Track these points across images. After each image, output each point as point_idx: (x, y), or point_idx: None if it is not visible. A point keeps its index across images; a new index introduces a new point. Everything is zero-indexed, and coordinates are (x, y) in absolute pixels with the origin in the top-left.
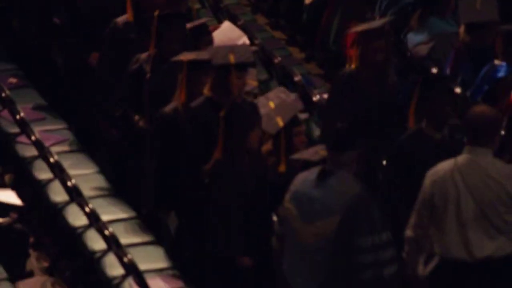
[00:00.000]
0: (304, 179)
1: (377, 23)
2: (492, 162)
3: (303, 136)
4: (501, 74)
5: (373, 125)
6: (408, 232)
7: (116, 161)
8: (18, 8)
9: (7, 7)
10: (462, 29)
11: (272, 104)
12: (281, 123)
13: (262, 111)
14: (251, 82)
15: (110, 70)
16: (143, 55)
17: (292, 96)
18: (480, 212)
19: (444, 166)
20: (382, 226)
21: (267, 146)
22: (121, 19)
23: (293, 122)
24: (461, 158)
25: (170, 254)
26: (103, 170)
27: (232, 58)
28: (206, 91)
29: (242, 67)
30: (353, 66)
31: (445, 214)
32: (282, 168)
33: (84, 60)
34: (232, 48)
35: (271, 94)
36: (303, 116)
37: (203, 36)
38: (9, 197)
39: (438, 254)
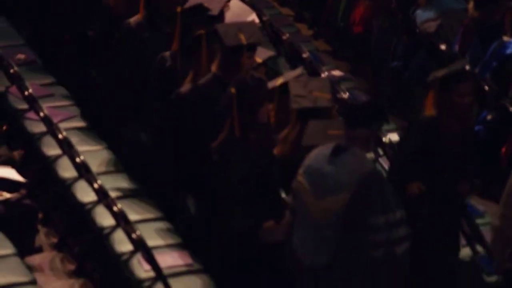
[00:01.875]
0: (318, 154)
1: (458, 65)
2: None
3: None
4: (509, 50)
5: (456, 168)
6: (496, 222)
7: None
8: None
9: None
10: (470, 5)
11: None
12: (327, 95)
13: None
14: (255, 59)
15: (128, 71)
16: (167, 53)
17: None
18: None
19: None
20: (396, 204)
21: (295, 130)
22: (133, 20)
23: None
24: None
25: (185, 231)
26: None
27: (243, 38)
28: (214, 68)
29: (253, 47)
30: (432, 112)
31: None
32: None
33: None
34: (240, 27)
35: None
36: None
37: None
38: (10, 173)
39: None
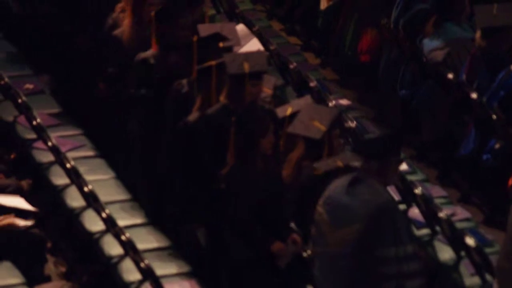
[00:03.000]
0: (337, 185)
1: None
2: None
3: (339, 139)
4: None
5: None
6: (503, 263)
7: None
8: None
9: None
10: (478, 34)
11: (289, 110)
12: (323, 127)
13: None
14: (266, 90)
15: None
16: (184, 81)
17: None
18: None
19: None
20: (408, 238)
21: (299, 151)
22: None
23: (333, 125)
24: None
25: (191, 259)
26: (120, 175)
27: (246, 67)
28: (222, 98)
29: (256, 76)
30: None
31: None
32: (318, 171)
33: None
34: (247, 56)
35: (294, 102)
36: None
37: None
38: (20, 203)
39: None
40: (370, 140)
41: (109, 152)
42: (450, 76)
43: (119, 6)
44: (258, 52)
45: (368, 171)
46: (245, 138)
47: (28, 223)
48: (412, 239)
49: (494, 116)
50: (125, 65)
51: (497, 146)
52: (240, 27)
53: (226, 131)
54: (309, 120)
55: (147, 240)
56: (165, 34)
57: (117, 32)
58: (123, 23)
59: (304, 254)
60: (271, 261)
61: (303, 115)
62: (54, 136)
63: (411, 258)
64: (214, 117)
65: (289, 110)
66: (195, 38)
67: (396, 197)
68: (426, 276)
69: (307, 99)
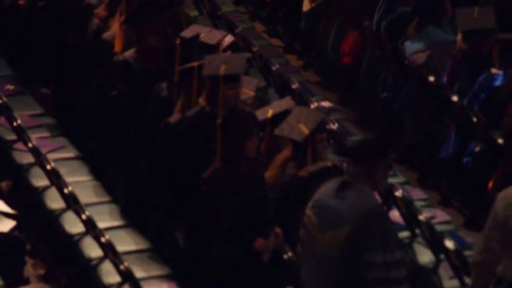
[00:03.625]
0: (327, 188)
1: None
2: None
3: (325, 143)
4: (497, 82)
5: None
6: (477, 258)
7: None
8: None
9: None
10: (459, 37)
11: (270, 112)
12: (306, 130)
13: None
14: (248, 92)
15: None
16: (164, 84)
17: (293, 104)
18: None
19: None
20: (396, 244)
21: (285, 153)
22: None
23: (318, 129)
24: None
25: (172, 260)
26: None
27: (222, 69)
28: (201, 100)
29: (232, 78)
30: None
31: None
32: (303, 173)
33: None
34: (227, 59)
35: (275, 103)
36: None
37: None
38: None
39: (509, 279)
40: (356, 143)
41: (90, 154)
42: (432, 78)
43: (99, 13)
44: (237, 55)
45: (357, 175)
46: (230, 141)
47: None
48: (400, 246)
49: (475, 119)
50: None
51: (477, 149)
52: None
53: (205, 134)
54: (295, 123)
55: (127, 242)
56: (138, 38)
57: (106, 35)
58: (113, 27)
59: (285, 257)
60: (255, 260)
61: (291, 117)
62: (35, 137)
63: (399, 265)
64: (192, 120)
65: (270, 112)
66: (178, 41)
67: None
68: (410, 282)
69: (287, 101)
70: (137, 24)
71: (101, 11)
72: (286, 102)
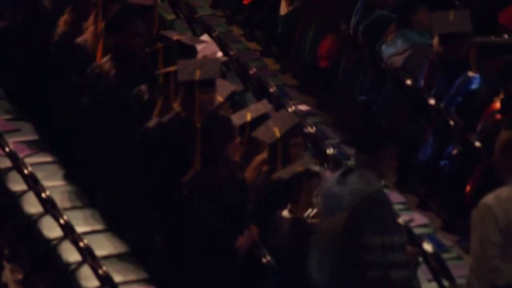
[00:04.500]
0: (332, 176)
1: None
2: None
3: (300, 148)
4: (474, 85)
5: None
6: (475, 265)
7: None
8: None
9: None
10: (435, 40)
11: (249, 116)
12: (277, 133)
13: (240, 122)
14: (218, 98)
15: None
16: (144, 87)
17: (270, 108)
18: None
19: (506, 193)
20: (395, 229)
21: (262, 155)
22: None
23: (290, 133)
24: None
25: (151, 264)
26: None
27: (197, 74)
28: (175, 106)
29: (207, 83)
30: None
31: None
32: (274, 177)
33: None
34: (201, 64)
35: (252, 107)
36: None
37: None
38: None
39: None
40: (360, 133)
41: (67, 158)
42: (409, 82)
43: (62, 19)
44: (212, 59)
45: (361, 164)
46: (211, 145)
47: None
48: (399, 231)
49: (452, 122)
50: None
51: (454, 152)
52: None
53: (181, 139)
54: (272, 125)
55: (105, 247)
56: (117, 43)
57: (79, 40)
58: (86, 31)
59: (264, 260)
60: (235, 263)
61: (270, 120)
62: (12, 141)
63: (397, 249)
64: (167, 126)
65: (248, 116)
66: (159, 45)
67: None
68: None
69: (264, 104)
70: (120, 27)
71: (66, 17)
72: (263, 106)
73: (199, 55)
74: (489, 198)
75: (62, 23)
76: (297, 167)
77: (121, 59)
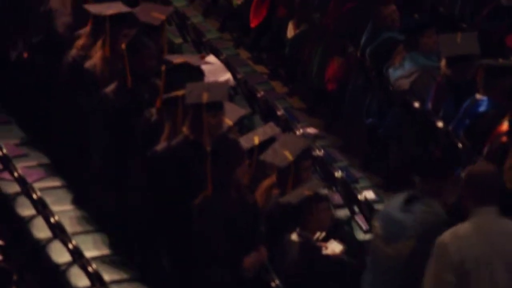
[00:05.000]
0: (394, 201)
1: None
2: (506, 221)
3: (310, 170)
4: (482, 108)
5: None
6: None
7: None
8: None
9: None
10: (443, 63)
11: (257, 139)
12: (290, 157)
13: (247, 145)
14: (227, 121)
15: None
16: (153, 109)
17: (278, 130)
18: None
19: (463, 231)
20: None
21: (271, 179)
22: (109, 89)
23: (302, 156)
24: (477, 221)
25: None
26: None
27: (205, 97)
28: (184, 129)
29: (214, 106)
30: None
31: (478, 281)
32: (283, 201)
33: None
34: (209, 87)
35: (259, 130)
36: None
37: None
38: None
39: None
40: (426, 159)
41: (75, 181)
42: (416, 104)
43: (79, 43)
44: (219, 83)
45: (425, 190)
46: (220, 168)
47: None
48: None
49: (460, 145)
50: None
51: (463, 174)
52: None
53: (190, 162)
54: (281, 149)
55: (114, 271)
56: (136, 66)
57: (88, 65)
58: (95, 56)
59: (272, 285)
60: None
61: (277, 143)
62: (20, 166)
63: None
64: (177, 149)
65: (256, 139)
66: (163, 68)
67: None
68: None
69: (272, 127)
70: (138, 50)
71: (82, 40)
72: (271, 129)
73: (209, 78)
74: (445, 235)
75: (78, 47)
76: (306, 191)
77: (134, 81)
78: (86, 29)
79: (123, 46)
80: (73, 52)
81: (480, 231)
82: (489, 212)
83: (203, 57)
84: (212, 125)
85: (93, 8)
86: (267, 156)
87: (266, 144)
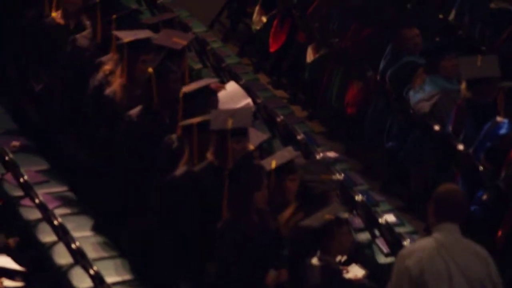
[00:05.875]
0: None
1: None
2: (468, 241)
3: (295, 184)
4: (503, 130)
5: None
6: None
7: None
8: None
9: None
10: (463, 85)
11: (274, 163)
12: (273, 164)
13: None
14: (248, 146)
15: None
16: (174, 135)
17: (296, 154)
18: None
19: (424, 244)
20: None
21: (293, 206)
22: (134, 112)
23: (286, 168)
24: (439, 236)
25: None
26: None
27: (229, 124)
28: (209, 155)
29: (239, 132)
30: None
31: None
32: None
33: None
34: (233, 113)
35: (277, 154)
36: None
37: (208, 97)
38: (7, 262)
39: None
40: None
41: (96, 209)
42: (437, 127)
43: (106, 68)
44: (244, 109)
45: None
46: (239, 192)
47: (17, 284)
48: None
49: (481, 168)
50: (117, 125)
51: (484, 197)
52: (232, 86)
53: (212, 189)
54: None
55: None
56: (161, 90)
57: (108, 92)
58: (114, 83)
59: None
60: None
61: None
62: (41, 193)
63: None
64: (200, 175)
65: (273, 163)
66: (181, 94)
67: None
68: None
69: (289, 151)
70: (165, 74)
71: (108, 66)
72: (288, 153)
73: (229, 104)
74: (406, 248)
75: (105, 71)
76: (326, 215)
77: (158, 106)
78: (114, 55)
79: (150, 70)
80: (100, 75)
81: (442, 246)
82: (451, 229)
83: (219, 86)
84: (237, 151)
85: (121, 35)
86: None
87: (283, 167)
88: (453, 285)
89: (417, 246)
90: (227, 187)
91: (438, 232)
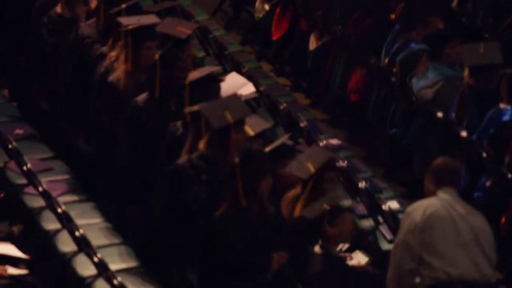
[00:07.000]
0: None
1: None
2: (466, 203)
3: (334, 181)
4: (506, 117)
5: None
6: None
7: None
8: None
9: None
10: (466, 72)
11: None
12: (312, 168)
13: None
14: (248, 132)
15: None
16: (179, 123)
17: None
18: (474, 236)
19: (428, 200)
20: None
21: (296, 190)
22: (140, 99)
23: (325, 168)
24: (443, 196)
25: None
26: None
27: (229, 117)
28: (201, 147)
29: (241, 123)
30: None
31: (445, 242)
32: (297, 211)
33: None
34: (226, 105)
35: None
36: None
37: (213, 85)
38: (11, 250)
39: (442, 279)
40: None
41: (99, 196)
42: (440, 114)
43: (112, 54)
44: (233, 97)
45: None
46: (247, 181)
47: (22, 271)
48: None
49: (484, 154)
50: (120, 111)
51: (488, 183)
52: (232, 76)
53: (209, 177)
54: (305, 161)
55: (139, 284)
56: (167, 78)
57: (112, 78)
58: (118, 69)
59: None
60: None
61: (302, 155)
62: (45, 181)
63: None
64: (196, 163)
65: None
66: (187, 81)
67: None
68: None
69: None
70: (171, 62)
71: (115, 51)
72: (284, 138)
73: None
74: (412, 206)
75: (111, 58)
76: (324, 205)
77: (163, 93)
78: (114, 42)
79: (157, 56)
80: (106, 62)
81: (445, 201)
82: (451, 192)
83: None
84: (239, 141)
85: (125, 21)
86: (291, 168)
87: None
88: (458, 228)
89: (422, 203)
90: (238, 175)
91: (440, 193)
